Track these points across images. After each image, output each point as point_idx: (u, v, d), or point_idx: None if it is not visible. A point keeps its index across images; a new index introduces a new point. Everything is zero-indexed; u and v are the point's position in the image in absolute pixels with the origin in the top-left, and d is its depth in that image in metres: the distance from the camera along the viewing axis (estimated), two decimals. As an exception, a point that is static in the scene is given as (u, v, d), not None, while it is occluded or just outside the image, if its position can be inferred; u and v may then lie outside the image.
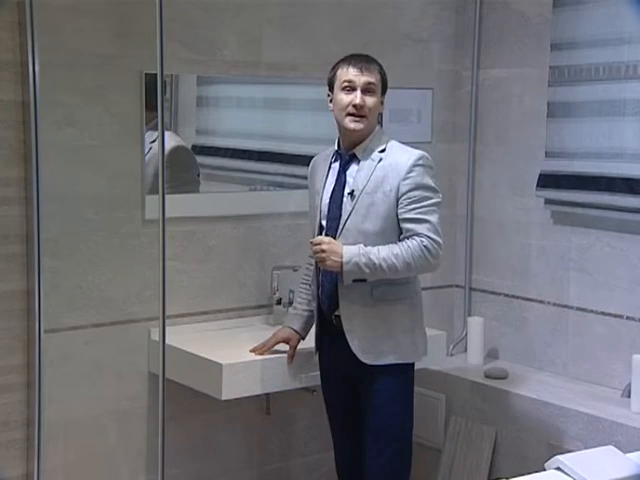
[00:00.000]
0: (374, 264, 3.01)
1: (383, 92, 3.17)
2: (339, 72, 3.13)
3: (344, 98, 3.10)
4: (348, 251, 3.04)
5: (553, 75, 3.84)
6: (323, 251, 3.05)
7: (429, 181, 3.09)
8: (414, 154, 3.10)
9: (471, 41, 4.17)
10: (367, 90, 3.09)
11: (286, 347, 3.35)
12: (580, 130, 3.74)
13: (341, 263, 3.03)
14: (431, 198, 3.08)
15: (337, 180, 3.17)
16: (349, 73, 3.10)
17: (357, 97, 3.07)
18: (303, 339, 3.35)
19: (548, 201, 3.91)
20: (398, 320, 3.13)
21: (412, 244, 3.03)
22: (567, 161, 3.79)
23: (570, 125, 3.77)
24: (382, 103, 3.18)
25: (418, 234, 3.04)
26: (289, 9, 3.74)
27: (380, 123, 3.91)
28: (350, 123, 3.10)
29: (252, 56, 3.68)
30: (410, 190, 3.06)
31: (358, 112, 3.08)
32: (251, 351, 3.35)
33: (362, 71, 3.09)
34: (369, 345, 3.11)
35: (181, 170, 3.63)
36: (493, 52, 4.13)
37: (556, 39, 3.82)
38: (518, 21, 4.02)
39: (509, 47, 4.06)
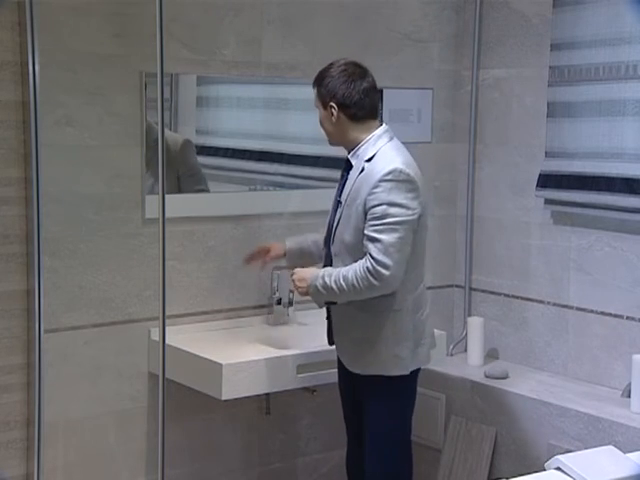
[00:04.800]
0: (328, 286, 3.04)
1: (327, 101, 3.12)
2: None
3: None
4: (312, 274, 3.10)
5: (553, 75, 3.84)
6: (293, 281, 3.16)
7: (396, 197, 2.98)
8: (387, 167, 3.01)
9: (471, 41, 4.17)
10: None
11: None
12: (580, 130, 3.74)
13: (307, 289, 3.10)
14: (394, 215, 2.97)
15: (338, 187, 3.20)
16: None
17: None
18: (285, 256, 3.46)
19: (548, 201, 3.91)
20: (380, 332, 3.09)
21: (358, 265, 2.99)
22: (567, 161, 3.78)
23: (570, 125, 3.77)
24: (333, 113, 3.11)
25: (367, 254, 2.99)
26: (289, 9, 3.74)
27: (381, 123, 3.90)
28: None
29: (252, 56, 3.68)
30: (373, 206, 2.99)
31: None
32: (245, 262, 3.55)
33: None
34: (354, 354, 3.14)
35: (194, 159, 3.66)
36: (493, 52, 4.12)
37: (556, 39, 3.81)
38: (518, 21, 4.02)
39: (509, 47, 4.06)
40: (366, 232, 2.99)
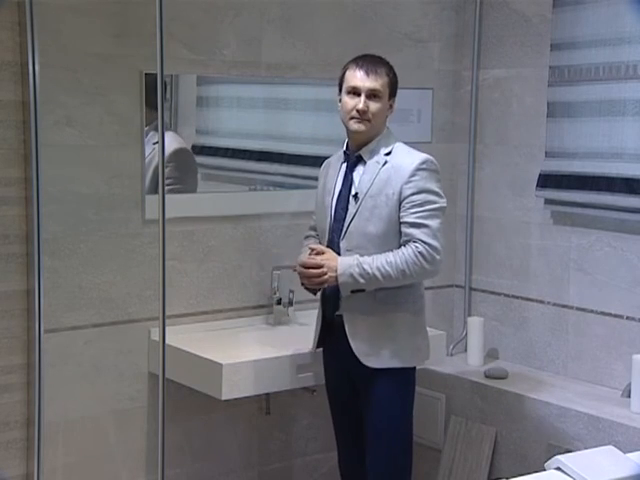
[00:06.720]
0: (368, 274, 3.03)
1: (392, 94, 3.16)
2: (347, 74, 3.14)
3: (349, 102, 3.11)
4: (343, 262, 3.06)
5: (553, 75, 3.84)
6: (323, 273, 3.07)
7: (433, 185, 3.09)
8: (419, 158, 3.11)
9: (471, 41, 4.17)
10: (372, 95, 3.09)
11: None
12: (580, 130, 3.74)
13: (336, 276, 3.06)
14: (434, 202, 3.08)
15: (344, 182, 3.19)
16: (355, 77, 3.11)
17: (361, 102, 3.08)
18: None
19: (548, 201, 3.91)
20: (401, 324, 3.14)
21: (407, 251, 3.03)
22: (567, 161, 3.79)
23: (570, 125, 3.77)
24: (391, 106, 3.17)
25: (414, 239, 3.04)
26: (289, 9, 3.74)
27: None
28: (353, 124, 3.12)
29: (252, 56, 3.68)
30: (412, 194, 3.06)
31: (361, 116, 3.09)
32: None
33: (368, 75, 3.09)
34: (371, 348, 3.12)
35: (181, 171, 3.63)
36: (493, 52, 4.13)
37: (556, 39, 3.82)
38: (518, 21, 4.02)
39: (509, 47, 4.06)
40: (407, 219, 3.05)
